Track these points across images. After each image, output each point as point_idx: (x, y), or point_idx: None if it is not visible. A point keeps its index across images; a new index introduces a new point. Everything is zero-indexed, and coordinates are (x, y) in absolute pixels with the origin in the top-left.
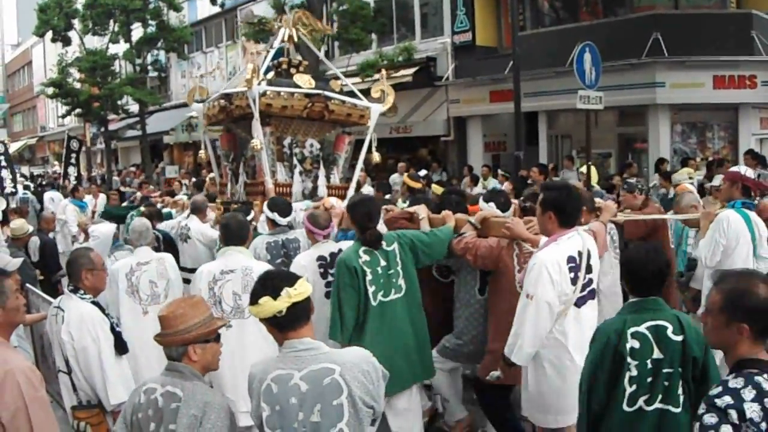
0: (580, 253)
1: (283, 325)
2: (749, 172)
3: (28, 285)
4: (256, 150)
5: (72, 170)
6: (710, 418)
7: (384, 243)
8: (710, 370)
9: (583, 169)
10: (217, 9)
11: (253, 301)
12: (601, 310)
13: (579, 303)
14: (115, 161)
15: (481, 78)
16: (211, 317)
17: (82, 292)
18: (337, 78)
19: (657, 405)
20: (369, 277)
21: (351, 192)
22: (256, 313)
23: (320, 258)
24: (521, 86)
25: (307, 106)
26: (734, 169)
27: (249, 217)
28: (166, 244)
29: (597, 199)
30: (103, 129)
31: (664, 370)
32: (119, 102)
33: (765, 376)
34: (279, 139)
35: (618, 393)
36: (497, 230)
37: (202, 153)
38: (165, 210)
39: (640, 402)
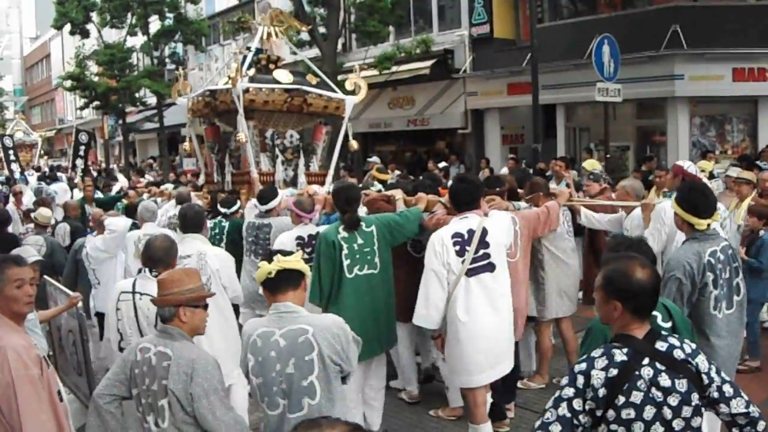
0: (470, 231)
1: (272, 288)
2: (691, 168)
3: (45, 277)
4: (241, 143)
5: (80, 162)
6: (563, 380)
7: (363, 224)
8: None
9: (585, 164)
10: (234, 1)
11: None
12: (563, 271)
13: (470, 274)
14: (133, 154)
15: (499, 70)
16: (202, 287)
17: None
18: (314, 75)
19: None
20: (345, 251)
21: (329, 179)
22: (257, 276)
23: (299, 237)
24: (539, 79)
25: (287, 101)
26: (678, 163)
27: (236, 206)
28: None
29: (552, 186)
30: (120, 122)
31: None
32: (137, 95)
33: (624, 350)
34: (261, 132)
35: None
36: None
37: (186, 145)
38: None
39: None
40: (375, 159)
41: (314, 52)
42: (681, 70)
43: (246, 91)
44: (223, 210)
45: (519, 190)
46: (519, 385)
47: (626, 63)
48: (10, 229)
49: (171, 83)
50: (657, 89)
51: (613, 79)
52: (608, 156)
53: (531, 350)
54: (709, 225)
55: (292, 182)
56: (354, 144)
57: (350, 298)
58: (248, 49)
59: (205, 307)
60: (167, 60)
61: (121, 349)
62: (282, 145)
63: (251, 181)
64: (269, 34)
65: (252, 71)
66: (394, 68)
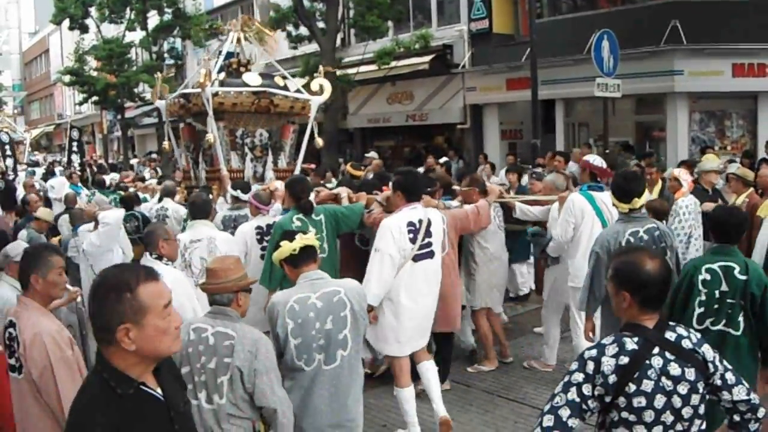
0: (420, 221)
1: (297, 262)
2: (597, 161)
3: None
4: (210, 143)
5: (75, 158)
6: (573, 365)
7: (313, 214)
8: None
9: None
10: None
11: (276, 247)
12: (494, 264)
13: (416, 259)
14: (132, 149)
15: (498, 66)
16: (246, 274)
17: (165, 260)
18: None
19: (720, 327)
20: None
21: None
22: (277, 255)
23: (258, 227)
24: (538, 74)
25: (255, 102)
26: (585, 158)
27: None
28: (145, 223)
29: (488, 184)
30: (119, 117)
31: (728, 300)
32: (135, 90)
33: (634, 339)
34: (232, 131)
35: (688, 312)
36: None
37: (165, 144)
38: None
39: (707, 323)
40: (373, 154)
41: (313, 47)
42: (680, 65)
43: (215, 94)
44: None
45: (455, 187)
46: (469, 369)
47: (626, 58)
48: None
49: (169, 78)
50: (656, 85)
51: (613, 75)
52: (607, 151)
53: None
54: (630, 209)
55: (261, 178)
56: (320, 141)
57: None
58: (220, 53)
59: (250, 291)
60: (166, 55)
61: None
62: (251, 143)
63: (221, 178)
64: (239, 39)
65: (222, 75)
66: (393, 63)
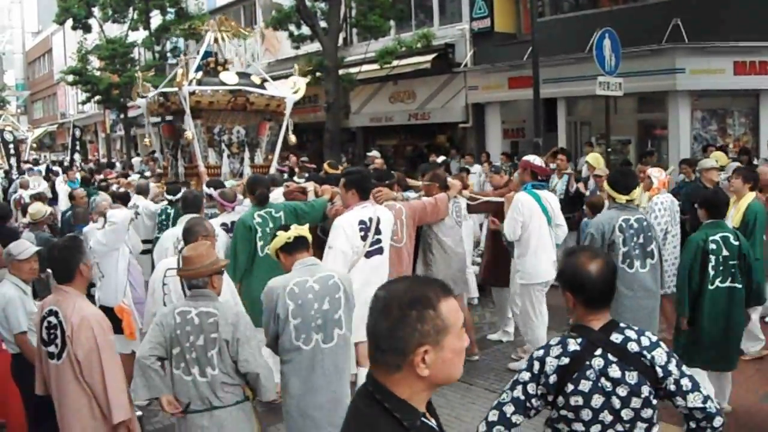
0: (370, 219)
1: (291, 250)
2: (537, 161)
3: (49, 270)
4: (188, 140)
5: (77, 157)
6: (521, 364)
7: (273, 210)
8: (752, 267)
9: (589, 158)
10: None
11: (273, 238)
12: (451, 257)
13: (368, 255)
14: (135, 148)
15: (500, 64)
16: (218, 258)
17: None
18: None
19: (727, 284)
20: (259, 233)
21: (272, 170)
22: (273, 244)
23: (223, 224)
24: (540, 72)
25: (231, 101)
26: (526, 158)
27: (180, 194)
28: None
29: (449, 179)
30: (122, 116)
31: (730, 262)
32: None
33: (578, 340)
34: (209, 129)
35: (706, 276)
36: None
37: (147, 140)
38: (121, 190)
39: (717, 282)
40: (375, 153)
41: (315, 46)
42: (682, 63)
43: (192, 93)
44: (168, 197)
45: (417, 182)
46: None
47: (627, 57)
48: None
49: (172, 78)
50: (658, 83)
51: (614, 73)
52: (609, 150)
53: None
54: (627, 200)
55: (239, 174)
56: (292, 138)
57: (262, 272)
58: (198, 53)
59: (222, 272)
60: (168, 54)
61: None
62: (228, 140)
63: (199, 174)
64: (216, 39)
65: (200, 74)
66: (395, 62)
